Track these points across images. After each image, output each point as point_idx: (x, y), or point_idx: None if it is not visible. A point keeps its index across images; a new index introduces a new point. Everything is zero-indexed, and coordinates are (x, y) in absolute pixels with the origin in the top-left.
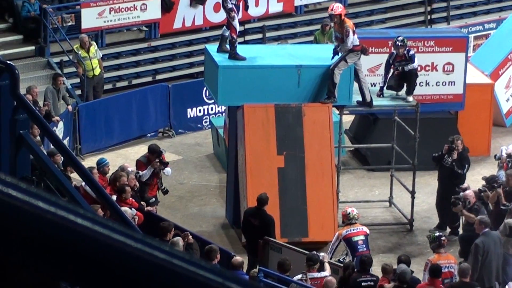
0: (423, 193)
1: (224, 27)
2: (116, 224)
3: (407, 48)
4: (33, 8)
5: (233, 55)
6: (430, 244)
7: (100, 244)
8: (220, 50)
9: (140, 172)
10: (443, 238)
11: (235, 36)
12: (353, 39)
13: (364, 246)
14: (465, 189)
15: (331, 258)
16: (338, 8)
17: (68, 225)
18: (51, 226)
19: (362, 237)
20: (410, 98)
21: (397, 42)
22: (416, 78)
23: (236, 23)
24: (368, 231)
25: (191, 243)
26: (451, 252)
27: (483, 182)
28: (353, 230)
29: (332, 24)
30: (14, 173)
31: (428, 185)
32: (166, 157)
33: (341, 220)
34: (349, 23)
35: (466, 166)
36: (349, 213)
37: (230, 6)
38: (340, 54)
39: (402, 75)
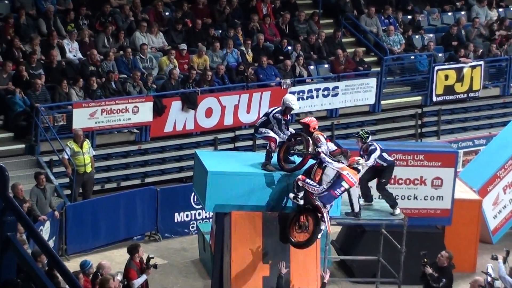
0: None
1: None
2: None
3: (368, 143)
4: (24, 105)
5: (265, 165)
6: None
7: None
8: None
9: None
10: None
11: (273, 147)
12: (326, 145)
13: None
14: None
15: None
16: (311, 120)
17: None
18: None
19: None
20: (397, 211)
21: (355, 134)
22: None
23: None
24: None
25: None
26: None
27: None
28: (351, 178)
29: None
30: None
31: None
32: (152, 260)
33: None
34: (318, 132)
35: (444, 280)
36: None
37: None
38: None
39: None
